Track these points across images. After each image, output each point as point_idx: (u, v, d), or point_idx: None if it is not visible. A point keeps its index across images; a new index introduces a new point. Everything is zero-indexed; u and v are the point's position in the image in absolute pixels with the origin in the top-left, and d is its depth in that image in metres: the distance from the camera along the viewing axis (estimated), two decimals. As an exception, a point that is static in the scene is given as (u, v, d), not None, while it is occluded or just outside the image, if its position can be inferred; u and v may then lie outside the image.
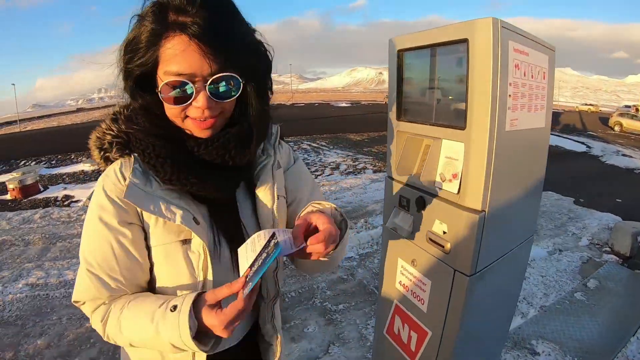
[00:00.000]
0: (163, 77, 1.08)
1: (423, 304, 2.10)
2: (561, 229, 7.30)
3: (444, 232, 1.90)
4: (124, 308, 1.16)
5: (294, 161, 1.52)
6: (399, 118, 2.18)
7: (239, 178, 1.29)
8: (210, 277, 1.18)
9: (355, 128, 27.75)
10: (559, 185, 10.17)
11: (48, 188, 13.98)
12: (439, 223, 1.93)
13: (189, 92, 1.07)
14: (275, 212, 1.31)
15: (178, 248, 1.17)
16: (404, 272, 2.22)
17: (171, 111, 1.13)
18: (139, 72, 1.12)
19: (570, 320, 4.16)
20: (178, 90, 1.07)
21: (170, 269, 1.19)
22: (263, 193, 1.32)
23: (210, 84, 1.07)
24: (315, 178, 12.64)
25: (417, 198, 2.02)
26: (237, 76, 1.11)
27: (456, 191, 1.83)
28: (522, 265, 2.43)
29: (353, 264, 5.62)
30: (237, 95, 1.14)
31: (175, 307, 1.06)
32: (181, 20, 1.04)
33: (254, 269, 0.99)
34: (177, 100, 1.09)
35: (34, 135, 40.46)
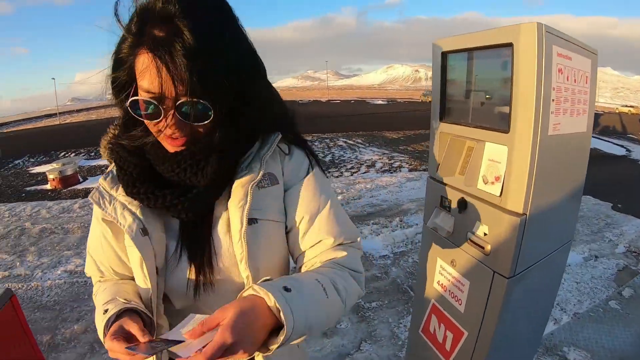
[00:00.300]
0: (138, 91, 1.03)
1: (461, 304, 2.11)
2: (598, 234, 7.15)
3: (485, 234, 1.92)
4: (101, 292, 1.28)
5: (305, 176, 1.27)
6: (442, 119, 2.19)
7: (203, 196, 1.14)
8: (152, 286, 1.17)
9: (391, 126, 27.64)
10: (597, 190, 9.94)
11: (87, 179, 14.29)
12: (480, 225, 1.94)
13: (158, 110, 1.01)
14: (243, 237, 1.12)
15: (136, 252, 1.17)
16: (442, 272, 2.23)
17: (147, 122, 1.08)
18: (122, 81, 1.08)
19: (604, 329, 4.06)
20: (150, 106, 1.01)
21: (133, 269, 1.22)
22: (233, 213, 1.15)
23: (178, 106, 0.99)
24: (351, 175, 12.59)
25: (459, 199, 2.04)
26: (205, 103, 1.00)
27: (498, 194, 1.83)
28: (559, 270, 2.41)
29: (387, 262, 5.63)
30: (210, 119, 1.03)
31: (106, 310, 1.13)
32: (155, 34, 0.95)
33: (163, 341, 0.97)
34: (148, 116, 1.04)
35: (74, 127, 41.25)
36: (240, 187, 1.14)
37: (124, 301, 1.15)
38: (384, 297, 4.75)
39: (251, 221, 1.15)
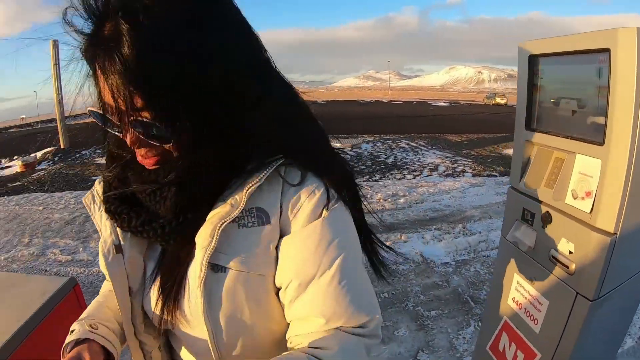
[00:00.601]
0: None
1: (536, 325, 2.01)
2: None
3: (570, 252, 1.81)
4: (97, 297, 1.25)
5: (312, 220, 0.94)
6: (527, 127, 2.08)
7: (173, 227, 0.94)
8: (121, 307, 1.05)
9: (454, 129, 27.36)
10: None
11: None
12: (566, 242, 1.82)
13: (115, 124, 0.88)
14: (200, 287, 0.91)
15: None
16: (519, 289, 2.13)
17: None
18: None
19: (670, 355, 3.87)
20: (102, 118, 0.89)
21: None
22: (197, 254, 0.93)
23: (131, 122, 0.83)
24: (414, 178, 12.52)
25: (543, 213, 1.94)
26: (154, 123, 0.82)
27: (588, 210, 1.72)
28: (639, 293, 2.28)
29: (449, 270, 5.51)
30: (169, 142, 0.85)
31: (72, 331, 1.06)
32: (99, 35, 0.78)
33: None
34: (109, 128, 0.90)
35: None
36: (209, 224, 0.91)
37: (90, 329, 1.06)
38: (443, 306, 4.64)
39: (217, 268, 0.93)
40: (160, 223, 0.94)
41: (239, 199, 0.90)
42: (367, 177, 13.57)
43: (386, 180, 12.12)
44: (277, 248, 0.95)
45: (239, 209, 0.89)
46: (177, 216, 0.93)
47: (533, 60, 2.03)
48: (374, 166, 15.37)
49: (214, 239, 0.89)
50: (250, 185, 0.90)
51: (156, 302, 1.02)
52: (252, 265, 0.93)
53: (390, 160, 16.51)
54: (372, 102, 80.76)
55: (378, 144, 20.67)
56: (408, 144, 20.68)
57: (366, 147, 19.42)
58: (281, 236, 0.95)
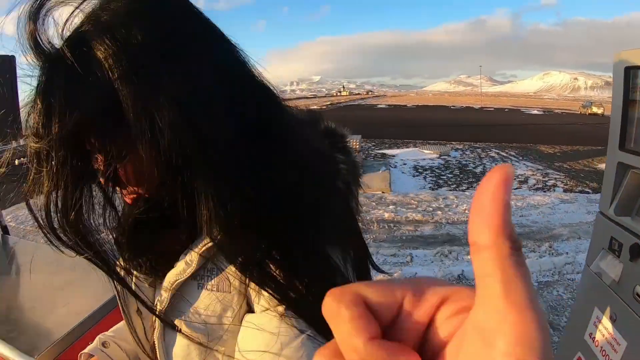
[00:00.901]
0: None
1: (612, 366, 1.83)
2: None
3: (657, 291, 1.63)
4: None
5: (276, 305, 0.72)
6: (622, 148, 1.90)
7: (146, 265, 0.88)
8: (129, 324, 0.96)
9: (547, 139, 26.43)
10: None
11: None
12: (653, 279, 1.64)
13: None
14: (159, 340, 0.83)
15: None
16: (597, 324, 1.97)
17: None
18: None
19: None
20: None
21: None
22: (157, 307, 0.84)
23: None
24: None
25: (632, 245, 1.76)
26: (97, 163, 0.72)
27: (682, 246, 1.54)
28: None
29: (530, 290, 5.24)
30: (116, 183, 0.76)
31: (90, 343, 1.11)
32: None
33: None
34: None
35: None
36: (166, 281, 0.81)
37: (100, 347, 1.10)
38: (521, 329, 4.42)
39: (174, 325, 0.80)
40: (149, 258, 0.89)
41: (194, 256, 0.76)
42: (454, 186, 13.48)
43: (473, 191, 11.89)
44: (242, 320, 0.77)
45: (191, 269, 0.77)
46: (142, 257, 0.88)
47: (630, 73, 1.85)
48: (461, 175, 15.21)
49: (168, 295, 0.79)
50: (206, 244, 0.75)
51: (150, 327, 0.93)
52: (209, 336, 0.77)
53: (478, 170, 16.26)
54: (462, 108, 79.45)
55: (467, 152, 20.46)
56: (498, 154, 20.36)
57: (454, 155, 19.20)
58: (249, 309, 0.77)
